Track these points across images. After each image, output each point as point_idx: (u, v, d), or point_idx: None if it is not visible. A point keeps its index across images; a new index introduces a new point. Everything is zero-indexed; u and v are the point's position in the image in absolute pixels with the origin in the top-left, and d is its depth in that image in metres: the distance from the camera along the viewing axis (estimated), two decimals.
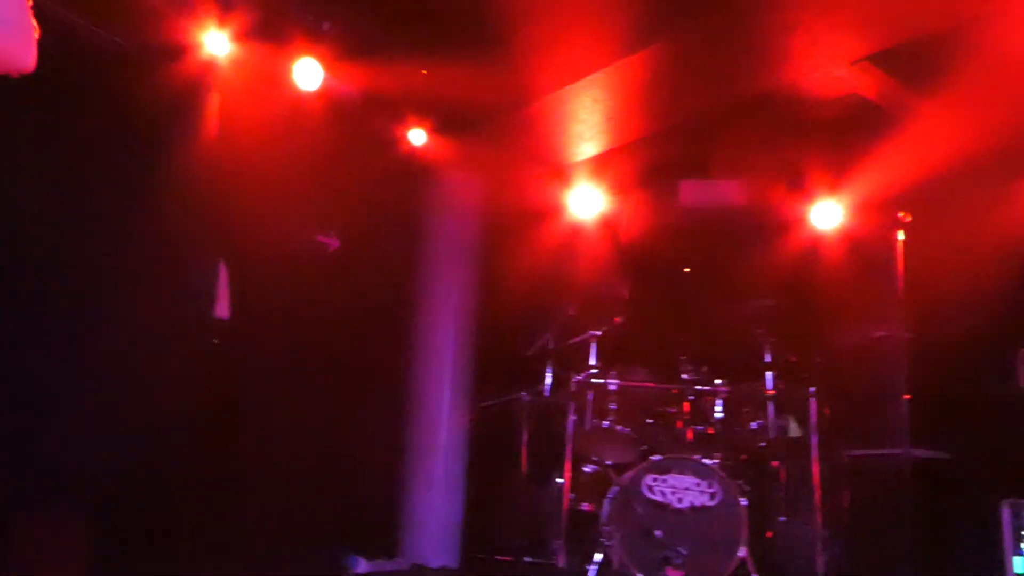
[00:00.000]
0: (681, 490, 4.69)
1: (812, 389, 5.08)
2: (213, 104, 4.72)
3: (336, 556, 5.19)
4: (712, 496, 4.65)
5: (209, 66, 4.60)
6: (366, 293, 5.62)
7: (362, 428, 5.53)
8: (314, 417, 5.29)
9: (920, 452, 4.89)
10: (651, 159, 6.19)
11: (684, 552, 4.48)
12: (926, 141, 4.93)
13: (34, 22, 2.28)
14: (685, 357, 5.29)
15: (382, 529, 5.71)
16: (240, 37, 4.55)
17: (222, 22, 4.48)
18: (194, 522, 4.57)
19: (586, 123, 5.58)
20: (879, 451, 5.08)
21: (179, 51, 4.50)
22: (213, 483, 4.79)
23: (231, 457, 4.99)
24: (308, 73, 4.80)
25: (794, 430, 5.37)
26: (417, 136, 5.67)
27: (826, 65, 4.85)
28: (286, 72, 4.82)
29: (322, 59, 4.83)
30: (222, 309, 2.50)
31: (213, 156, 4.70)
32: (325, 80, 4.90)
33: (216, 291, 2.58)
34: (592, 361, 5.46)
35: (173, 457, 4.49)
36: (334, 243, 5.56)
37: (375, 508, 5.67)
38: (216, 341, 5.08)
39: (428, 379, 6.04)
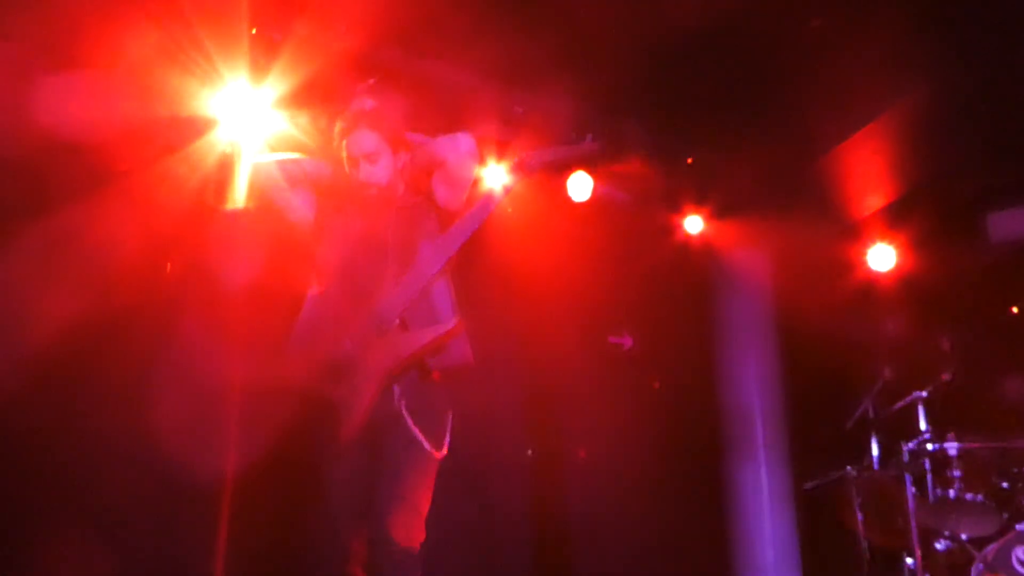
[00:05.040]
0: None
1: None
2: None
3: None
4: None
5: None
6: (665, 386, 5.60)
7: (681, 522, 5.42)
8: (632, 516, 5.28)
9: None
10: (946, 199, 5.73)
11: None
12: None
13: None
14: None
15: None
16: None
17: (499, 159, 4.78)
18: None
19: (868, 175, 5.30)
20: None
21: None
22: None
23: (560, 559, 5.11)
24: (580, 185, 4.99)
25: None
26: (694, 224, 5.69)
27: None
28: (559, 187, 5.03)
29: (592, 168, 4.99)
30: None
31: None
32: (596, 187, 5.05)
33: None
34: (923, 425, 5.00)
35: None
36: (627, 342, 5.63)
37: None
38: (530, 452, 5.30)
39: (742, 466, 5.83)
